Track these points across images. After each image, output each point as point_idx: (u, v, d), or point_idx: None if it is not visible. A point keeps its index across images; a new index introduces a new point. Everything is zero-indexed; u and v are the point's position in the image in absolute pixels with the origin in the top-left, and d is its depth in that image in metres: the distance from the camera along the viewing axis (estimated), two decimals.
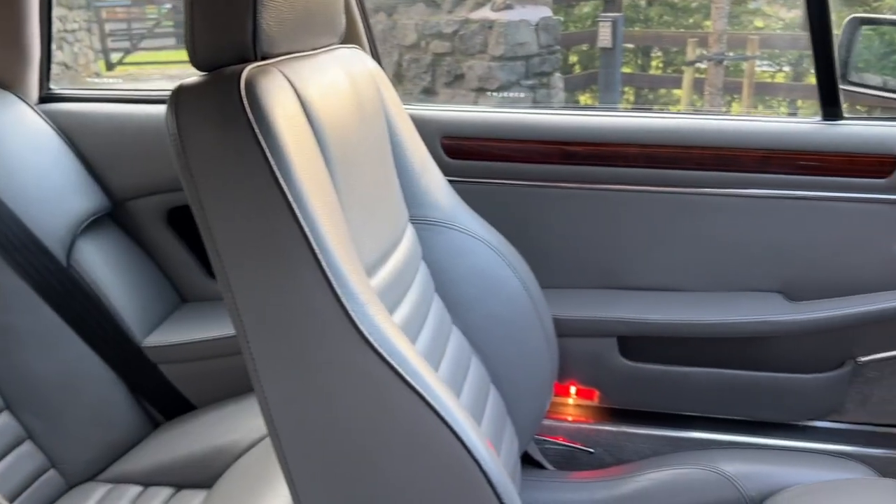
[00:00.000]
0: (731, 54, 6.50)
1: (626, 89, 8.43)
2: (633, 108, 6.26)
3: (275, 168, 0.77)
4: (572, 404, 1.64)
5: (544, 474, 1.46)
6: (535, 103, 5.44)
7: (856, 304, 1.46)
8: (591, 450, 1.56)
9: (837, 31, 1.50)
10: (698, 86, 6.69)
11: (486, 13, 5.23)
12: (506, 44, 5.19)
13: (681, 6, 8.53)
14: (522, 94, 5.37)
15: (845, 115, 1.47)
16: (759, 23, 7.02)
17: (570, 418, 1.62)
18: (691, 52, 6.09)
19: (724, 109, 6.41)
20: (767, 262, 1.51)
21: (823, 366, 1.54)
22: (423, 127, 1.49)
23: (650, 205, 1.50)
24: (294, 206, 0.76)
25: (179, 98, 0.81)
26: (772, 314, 1.47)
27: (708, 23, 6.98)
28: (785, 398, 1.57)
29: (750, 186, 1.46)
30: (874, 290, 1.48)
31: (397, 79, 5.95)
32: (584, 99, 7.61)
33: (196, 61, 0.84)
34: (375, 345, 0.77)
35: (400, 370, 0.77)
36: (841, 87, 1.57)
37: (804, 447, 1.53)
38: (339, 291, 0.76)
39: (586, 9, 8.71)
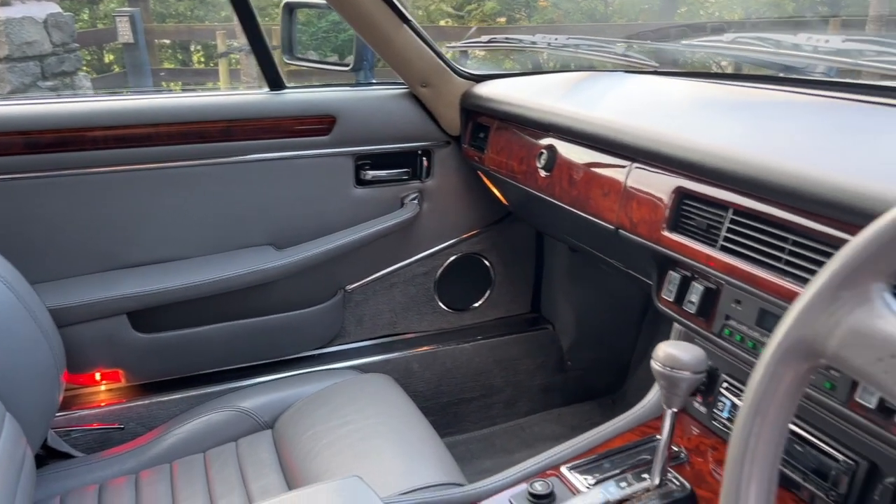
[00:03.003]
0: None
1: (173, 85, 8.30)
2: (99, 92, 6.13)
3: None
4: (103, 390, 1.66)
5: (74, 462, 1.46)
6: None
7: (330, 241, 1.75)
8: (122, 426, 1.60)
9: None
10: (239, 75, 6.91)
11: None
12: (10, 43, 4.68)
13: (210, 1, 8.66)
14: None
15: (292, 84, 1.74)
16: None
17: (102, 404, 1.64)
18: (222, 45, 6.26)
19: None
20: (254, 220, 1.71)
21: (319, 299, 1.82)
22: None
23: (132, 184, 1.58)
24: None
25: None
26: (264, 263, 1.67)
27: None
28: (294, 333, 1.81)
29: (220, 155, 1.63)
30: (343, 228, 1.79)
31: None
32: None
33: None
34: None
35: None
36: (288, 61, 1.85)
37: (314, 371, 1.79)
38: None
39: (112, 4, 8.30)
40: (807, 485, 0.99)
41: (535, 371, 2.06)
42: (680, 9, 6.92)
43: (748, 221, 0.98)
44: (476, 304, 2.04)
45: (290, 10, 1.79)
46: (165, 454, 1.45)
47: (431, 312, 1.99)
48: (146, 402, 1.65)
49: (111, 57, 8.66)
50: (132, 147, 1.55)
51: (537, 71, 1.87)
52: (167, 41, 8.39)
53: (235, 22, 6.63)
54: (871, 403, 0.83)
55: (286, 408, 1.53)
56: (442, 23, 7.63)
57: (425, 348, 1.95)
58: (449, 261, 1.96)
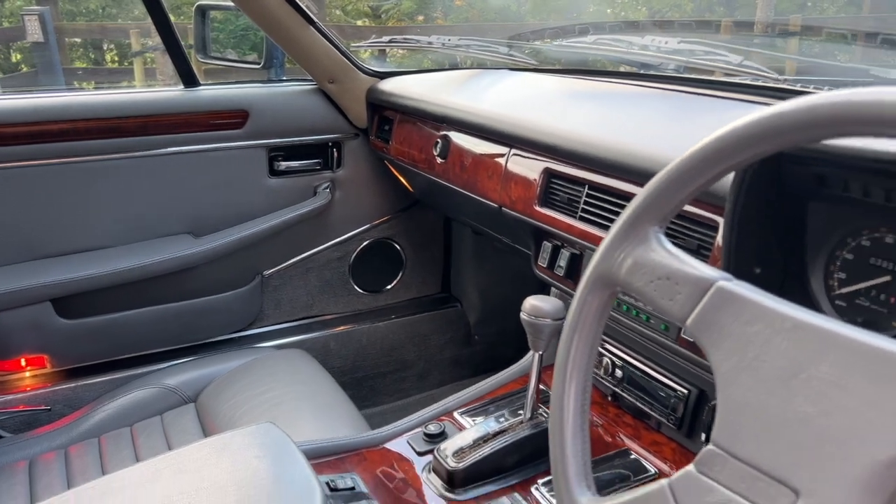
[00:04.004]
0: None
1: (87, 84, 8.11)
2: (8, 91, 6.02)
3: None
4: (28, 375, 1.73)
5: (2, 441, 1.54)
6: None
7: (246, 228, 1.87)
8: (49, 408, 1.68)
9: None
10: (155, 74, 6.84)
11: None
12: None
13: None
14: None
15: (208, 81, 1.85)
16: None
17: (28, 388, 1.71)
18: (136, 43, 6.20)
19: None
20: (172, 210, 1.81)
21: (238, 283, 1.93)
22: None
23: (51, 177, 1.65)
24: None
25: None
26: (183, 250, 1.78)
27: None
28: (215, 316, 1.92)
29: (137, 149, 1.72)
30: (258, 216, 1.90)
31: None
32: None
33: None
34: None
35: None
36: (202, 60, 1.95)
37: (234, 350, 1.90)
38: None
39: (18, 2, 8.05)
40: (654, 413, 1.18)
41: (445, 345, 2.23)
42: (588, 8, 7.24)
43: (599, 194, 1.17)
44: (389, 286, 2.19)
45: (201, 12, 1.90)
46: (93, 430, 1.54)
47: (347, 295, 2.13)
48: (73, 385, 1.73)
49: (18, 56, 8.38)
50: (51, 142, 1.62)
51: (434, 69, 2.04)
52: (78, 40, 8.19)
53: (150, 20, 6.57)
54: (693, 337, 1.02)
55: (208, 383, 1.64)
56: (359, 22, 7.74)
57: (342, 328, 2.09)
58: (362, 246, 2.10)
